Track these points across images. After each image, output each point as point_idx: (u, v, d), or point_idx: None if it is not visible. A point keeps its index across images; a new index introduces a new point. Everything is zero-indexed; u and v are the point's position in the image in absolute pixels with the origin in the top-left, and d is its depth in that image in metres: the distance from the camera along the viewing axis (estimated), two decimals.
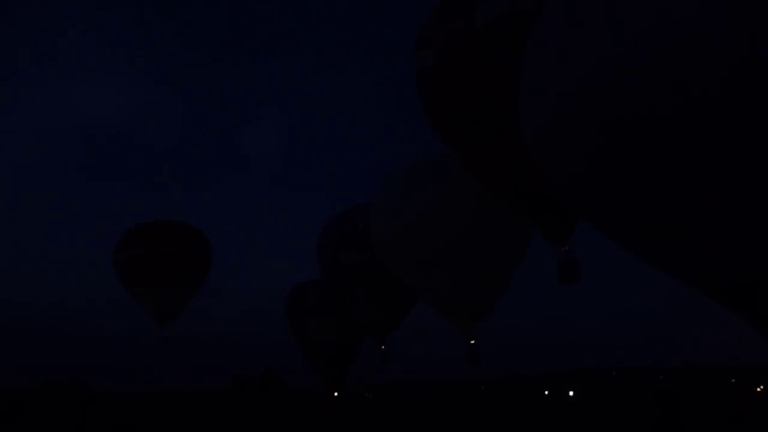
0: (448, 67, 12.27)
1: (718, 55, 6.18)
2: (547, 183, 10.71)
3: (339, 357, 27.20)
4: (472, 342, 16.89)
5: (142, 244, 24.41)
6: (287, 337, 28.14)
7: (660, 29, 6.57)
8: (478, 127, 12.43)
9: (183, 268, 24.75)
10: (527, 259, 16.04)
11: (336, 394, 28.12)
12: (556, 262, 13.16)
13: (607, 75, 6.89)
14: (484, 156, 12.80)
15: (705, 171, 6.71)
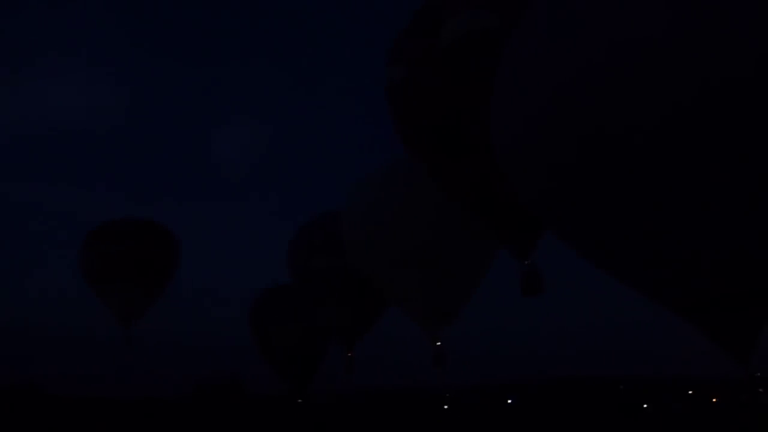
0: (416, 82, 12.54)
1: (689, 74, 6.36)
2: (512, 196, 10.96)
3: (303, 363, 27.07)
4: (438, 344, 17.08)
5: (110, 241, 23.97)
6: (252, 342, 27.94)
7: (631, 48, 6.74)
8: (444, 141, 12.73)
9: (151, 266, 24.37)
10: (497, 265, 16.33)
11: (300, 400, 27.98)
12: (519, 274, 13.55)
13: (580, 90, 7.06)
14: (450, 169, 13.09)
15: (669, 189, 6.92)
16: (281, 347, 26.64)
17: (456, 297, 16.76)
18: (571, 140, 7.30)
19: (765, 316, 7.67)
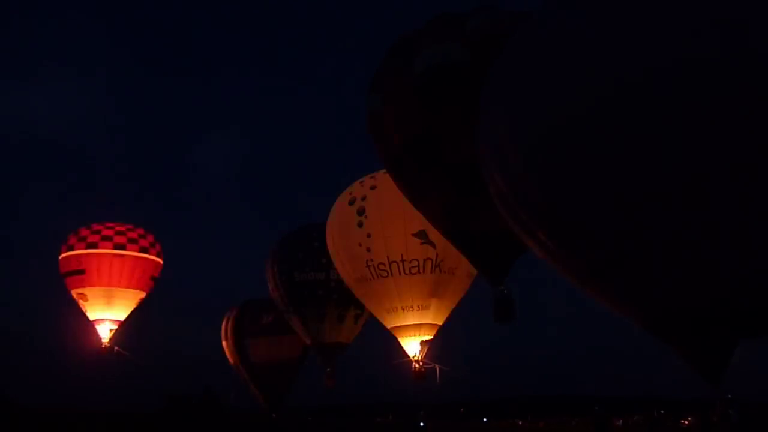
0: (391, 110, 13.03)
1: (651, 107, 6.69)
2: (486, 224, 11.33)
3: (279, 378, 26.81)
4: (419, 358, 17.21)
5: (93, 243, 23.48)
6: (227, 355, 27.61)
7: (612, 83, 7.03)
8: (417, 165, 13.07)
9: (136, 269, 23.96)
10: (478, 282, 16.45)
11: (275, 415, 27.66)
12: (498, 298, 13.72)
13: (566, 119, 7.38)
14: (427, 196, 13.53)
15: (646, 208, 7.14)
16: (256, 361, 26.41)
17: (437, 311, 16.93)
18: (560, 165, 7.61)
19: (738, 336, 7.85)
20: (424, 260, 16.47)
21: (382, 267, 16.64)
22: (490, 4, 13.29)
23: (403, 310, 17.02)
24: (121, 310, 24.23)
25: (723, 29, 6.64)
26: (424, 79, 12.42)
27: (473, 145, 11.39)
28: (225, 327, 27.47)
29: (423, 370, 15.55)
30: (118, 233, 24.07)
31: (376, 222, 16.74)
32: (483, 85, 9.52)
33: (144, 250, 24.44)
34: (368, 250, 16.74)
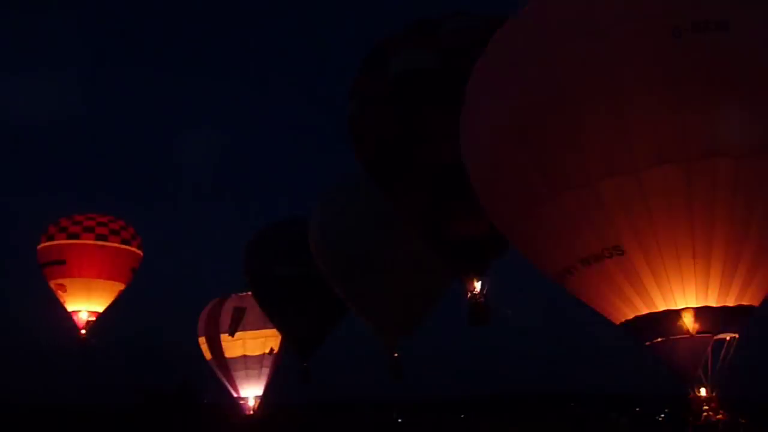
0: (368, 114, 13.40)
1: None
2: (459, 227, 12.24)
3: (256, 373, 26.66)
4: (396, 355, 17.22)
5: (75, 233, 23.27)
6: (202, 350, 27.40)
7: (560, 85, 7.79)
8: (393, 168, 13.33)
9: (115, 261, 23.76)
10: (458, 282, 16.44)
11: (252, 412, 27.56)
12: (472, 303, 13.70)
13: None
14: (400, 196, 13.69)
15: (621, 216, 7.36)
16: (234, 356, 26.25)
17: (414, 308, 16.91)
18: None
19: (713, 334, 7.99)
20: None
21: (367, 264, 16.58)
22: (461, 10, 13.63)
23: (385, 308, 16.98)
24: (100, 302, 23.96)
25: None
26: (398, 84, 12.62)
27: (447, 148, 11.68)
28: (202, 322, 27.22)
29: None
30: (100, 224, 23.81)
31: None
32: (469, 83, 9.73)
33: (125, 242, 24.21)
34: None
